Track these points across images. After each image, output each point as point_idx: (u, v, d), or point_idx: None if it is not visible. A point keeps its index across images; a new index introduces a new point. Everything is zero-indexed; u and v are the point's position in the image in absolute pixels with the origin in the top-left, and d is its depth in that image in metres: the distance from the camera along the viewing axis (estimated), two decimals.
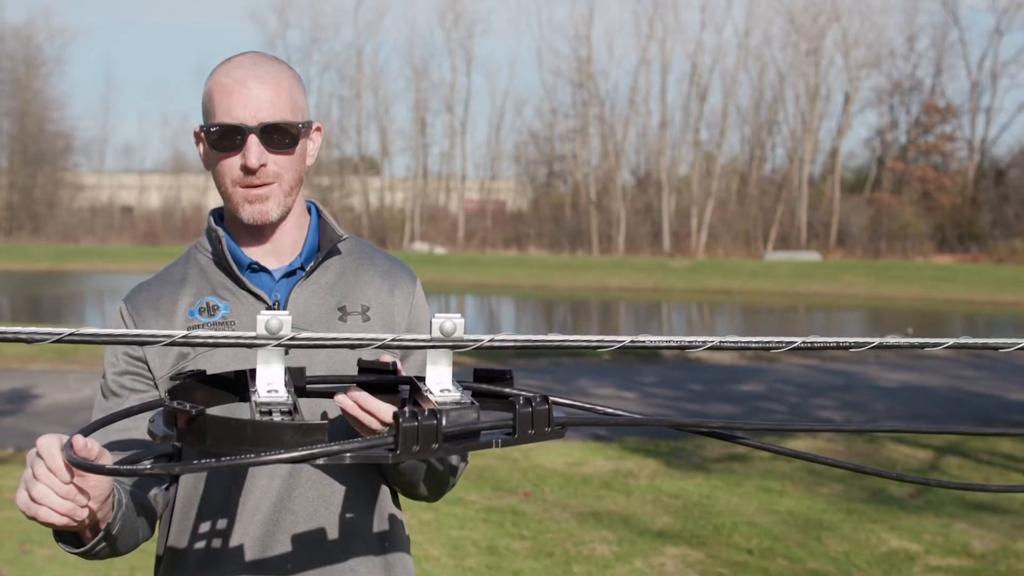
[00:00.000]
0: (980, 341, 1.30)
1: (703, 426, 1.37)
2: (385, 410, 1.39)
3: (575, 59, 55.49)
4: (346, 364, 1.61)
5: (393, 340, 1.10)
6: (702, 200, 51.24)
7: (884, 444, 8.12)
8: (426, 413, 1.06)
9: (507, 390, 1.38)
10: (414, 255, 46.01)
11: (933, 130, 51.70)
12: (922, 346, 1.27)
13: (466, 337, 1.13)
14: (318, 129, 1.72)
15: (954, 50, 66.55)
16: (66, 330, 1.00)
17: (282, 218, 1.67)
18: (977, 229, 46.71)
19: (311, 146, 1.71)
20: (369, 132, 77.71)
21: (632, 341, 1.17)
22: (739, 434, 1.38)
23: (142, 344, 1.02)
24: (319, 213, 1.76)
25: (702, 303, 30.85)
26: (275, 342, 1.06)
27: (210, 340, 1.04)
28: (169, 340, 1.04)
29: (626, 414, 1.46)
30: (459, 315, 1.14)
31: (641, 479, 6.92)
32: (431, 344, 1.14)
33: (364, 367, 1.42)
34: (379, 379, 1.40)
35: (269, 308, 1.64)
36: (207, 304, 1.65)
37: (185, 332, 1.03)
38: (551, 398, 1.19)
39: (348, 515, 1.66)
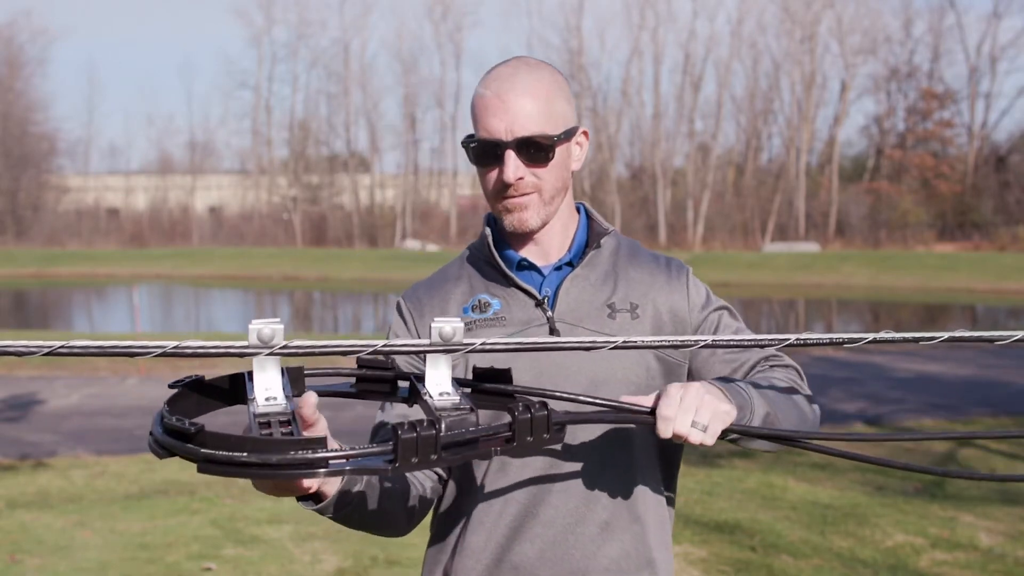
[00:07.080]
0: (976, 334, 1.30)
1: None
2: None
3: (566, 51, 55.41)
4: (608, 360, 1.60)
5: (384, 346, 1.10)
6: (698, 192, 51.21)
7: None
8: (425, 423, 1.07)
9: (508, 387, 1.38)
10: (406, 253, 45.94)
11: (931, 116, 51.63)
12: (918, 340, 1.27)
13: (464, 340, 1.14)
14: (584, 133, 1.74)
15: (951, 34, 66.41)
16: (56, 343, 1.00)
17: (543, 225, 1.69)
18: (978, 216, 46.46)
19: (576, 151, 1.72)
20: (358, 129, 77.40)
21: (625, 341, 1.17)
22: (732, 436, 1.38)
23: (131, 356, 1.01)
24: (588, 213, 1.79)
25: None
26: (267, 351, 1.06)
27: (200, 351, 1.03)
28: (160, 351, 1.03)
29: (620, 404, 1.46)
30: (459, 320, 1.14)
31: None
32: (428, 348, 1.14)
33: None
34: (378, 374, 1.39)
35: (539, 303, 1.67)
36: (479, 301, 1.69)
37: (176, 344, 1.02)
38: (548, 402, 1.20)
39: (604, 526, 1.62)
